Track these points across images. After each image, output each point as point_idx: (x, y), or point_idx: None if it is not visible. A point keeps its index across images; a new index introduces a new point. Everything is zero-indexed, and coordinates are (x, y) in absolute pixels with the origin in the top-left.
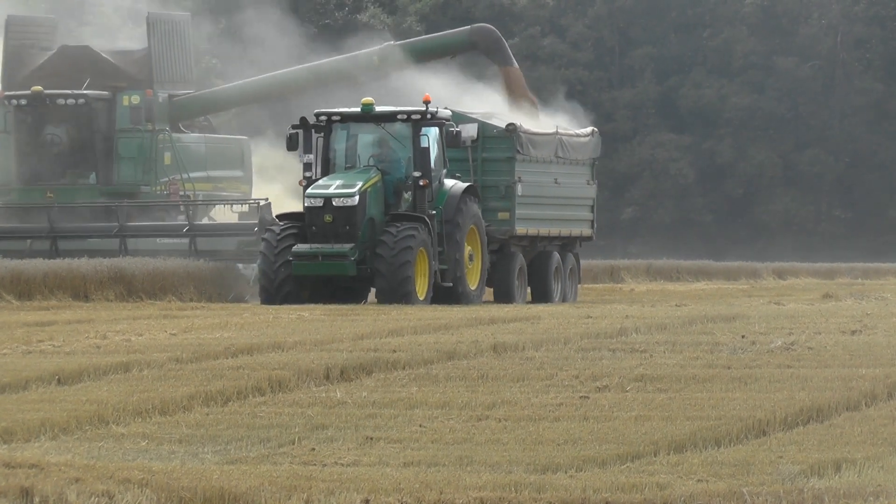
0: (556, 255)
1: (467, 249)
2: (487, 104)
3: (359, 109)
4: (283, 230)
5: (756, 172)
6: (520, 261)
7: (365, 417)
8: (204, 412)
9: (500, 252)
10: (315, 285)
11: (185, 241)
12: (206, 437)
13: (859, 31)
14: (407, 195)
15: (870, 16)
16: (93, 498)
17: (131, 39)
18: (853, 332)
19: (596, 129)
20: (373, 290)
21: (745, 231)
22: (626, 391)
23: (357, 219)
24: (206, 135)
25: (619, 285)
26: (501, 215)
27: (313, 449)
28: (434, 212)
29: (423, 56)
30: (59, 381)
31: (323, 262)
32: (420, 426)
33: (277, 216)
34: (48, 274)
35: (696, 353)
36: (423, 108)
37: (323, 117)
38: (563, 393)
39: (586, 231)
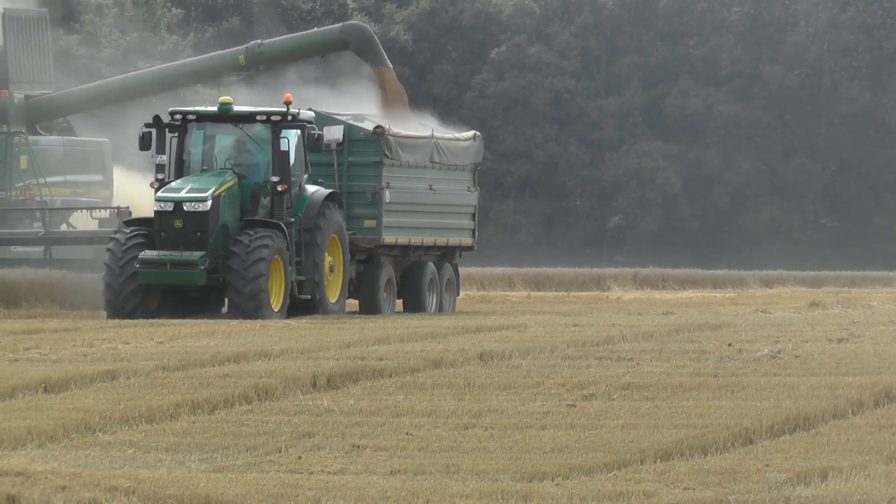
0: (431, 266)
1: (328, 259)
2: (364, 107)
3: (216, 109)
4: (129, 236)
5: (742, 181)
6: (388, 272)
7: (352, 425)
8: (190, 420)
9: (367, 262)
10: (165, 295)
11: (41, 249)
12: (193, 446)
13: (846, 39)
14: (265, 201)
15: (856, 24)
16: None
17: None
18: (840, 341)
19: (478, 133)
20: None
21: (732, 239)
22: (613, 399)
23: (209, 225)
24: (65, 137)
25: (606, 293)
26: (368, 223)
27: (300, 457)
28: (293, 219)
29: (292, 55)
30: (45, 389)
31: (171, 270)
32: (407, 434)
33: (124, 221)
34: (35, 282)
35: (683, 362)
36: (284, 110)
37: (178, 116)
38: (549, 401)
39: (466, 240)
